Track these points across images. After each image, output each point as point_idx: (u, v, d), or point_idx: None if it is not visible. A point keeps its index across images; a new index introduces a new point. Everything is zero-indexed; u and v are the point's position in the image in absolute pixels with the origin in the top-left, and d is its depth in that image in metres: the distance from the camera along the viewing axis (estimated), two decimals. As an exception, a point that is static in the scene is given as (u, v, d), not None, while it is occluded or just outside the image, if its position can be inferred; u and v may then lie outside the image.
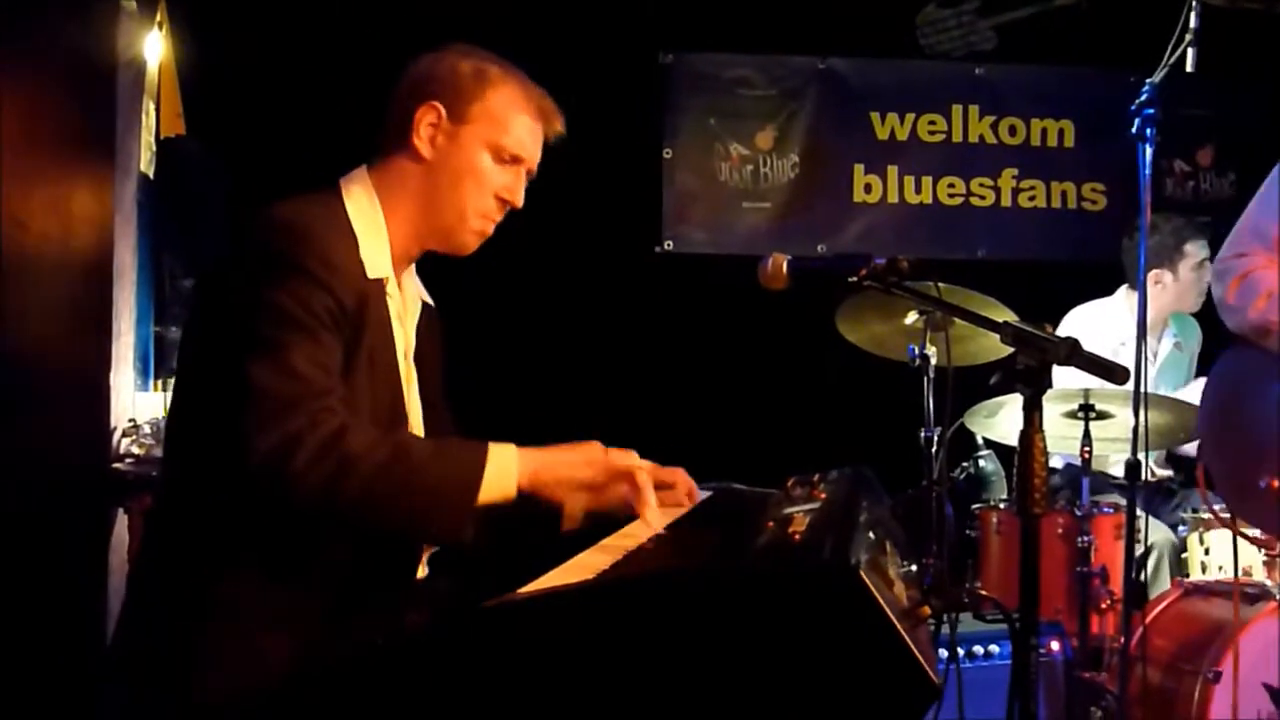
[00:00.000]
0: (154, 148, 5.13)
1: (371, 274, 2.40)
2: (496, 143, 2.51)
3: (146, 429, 4.68)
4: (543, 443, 2.41)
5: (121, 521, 4.55)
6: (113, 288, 4.61)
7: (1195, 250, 5.37)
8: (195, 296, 2.64)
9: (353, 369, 2.33)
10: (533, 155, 2.58)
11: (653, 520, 2.36)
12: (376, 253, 2.44)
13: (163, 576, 2.32)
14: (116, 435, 4.64)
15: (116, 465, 4.56)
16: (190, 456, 2.36)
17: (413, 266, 2.65)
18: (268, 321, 2.22)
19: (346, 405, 2.27)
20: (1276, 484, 3.07)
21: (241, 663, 2.20)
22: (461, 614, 1.97)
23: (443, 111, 2.49)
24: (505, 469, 2.27)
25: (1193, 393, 5.03)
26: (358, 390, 2.34)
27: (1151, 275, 5.34)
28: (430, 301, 2.72)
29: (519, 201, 2.57)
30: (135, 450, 4.61)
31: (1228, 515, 4.02)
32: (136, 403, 4.89)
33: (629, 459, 2.42)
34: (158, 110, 5.13)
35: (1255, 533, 4.21)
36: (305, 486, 2.13)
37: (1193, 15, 3.84)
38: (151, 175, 5.09)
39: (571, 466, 2.36)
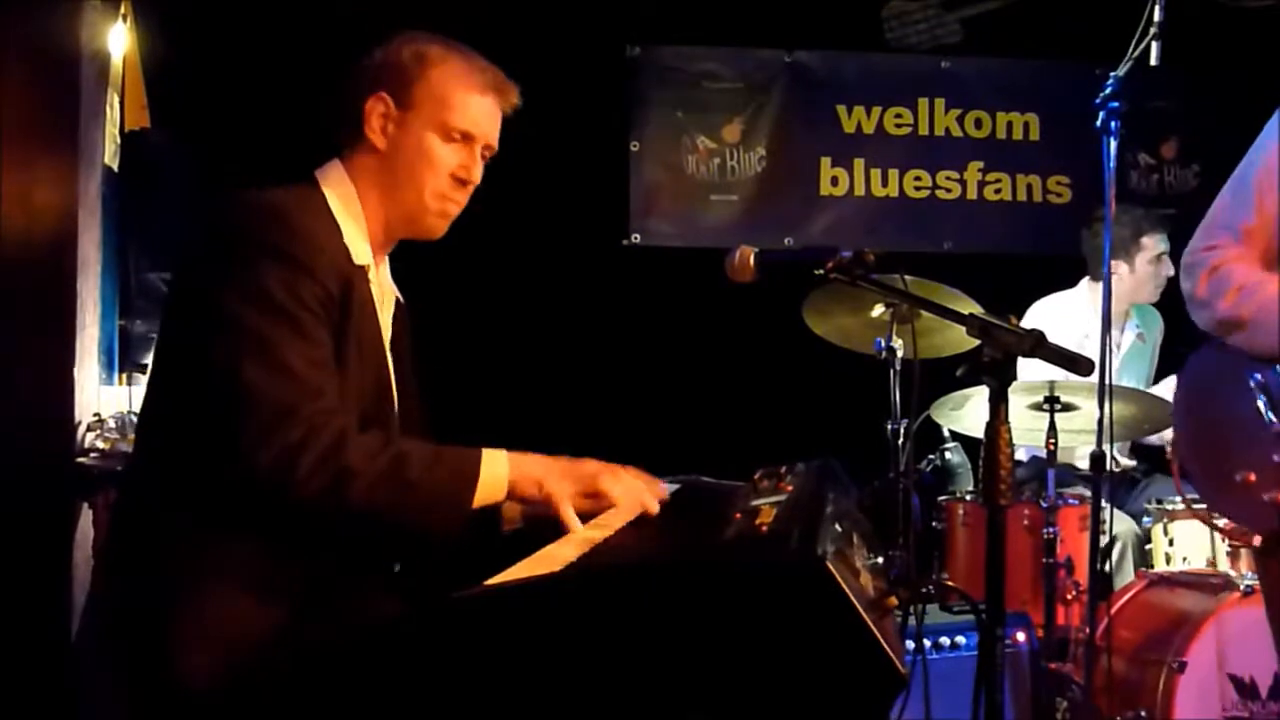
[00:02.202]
0: (118, 140, 5.09)
1: (357, 260, 2.42)
2: (443, 122, 2.51)
3: (111, 423, 4.64)
4: (512, 436, 2.41)
5: (86, 516, 4.52)
6: (76, 281, 4.58)
7: (1152, 243, 5.40)
8: (173, 285, 2.62)
9: (343, 356, 2.34)
10: (485, 131, 2.56)
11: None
12: (358, 240, 2.46)
13: (133, 566, 2.30)
14: (81, 429, 4.60)
15: (81, 460, 4.52)
16: (167, 446, 2.34)
17: (386, 260, 2.65)
18: (257, 312, 2.21)
19: (340, 398, 2.28)
20: (1253, 478, 3.08)
21: (213, 651, 2.19)
22: (430, 604, 1.97)
23: (389, 101, 2.50)
24: (497, 476, 2.31)
25: (1164, 390, 5.07)
26: (348, 378, 2.35)
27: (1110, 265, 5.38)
28: (400, 297, 2.72)
29: (474, 177, 2.56)
30: (100, 445, 4.57)
31: (1202, 508, 4.05)
32: (101, 397, 4.85)
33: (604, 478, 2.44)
34: (122, 103, 5.10)
35: (1224, 523, 4.24)
36: (306, 499, 2.15)
37: (1157, 8, 3.85)
38: (116, 168, 5.05)
39: (547, 472, 2.39)
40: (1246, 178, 3.19)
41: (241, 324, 2.21)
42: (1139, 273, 5.41)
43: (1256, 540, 3.15)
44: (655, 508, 2.45)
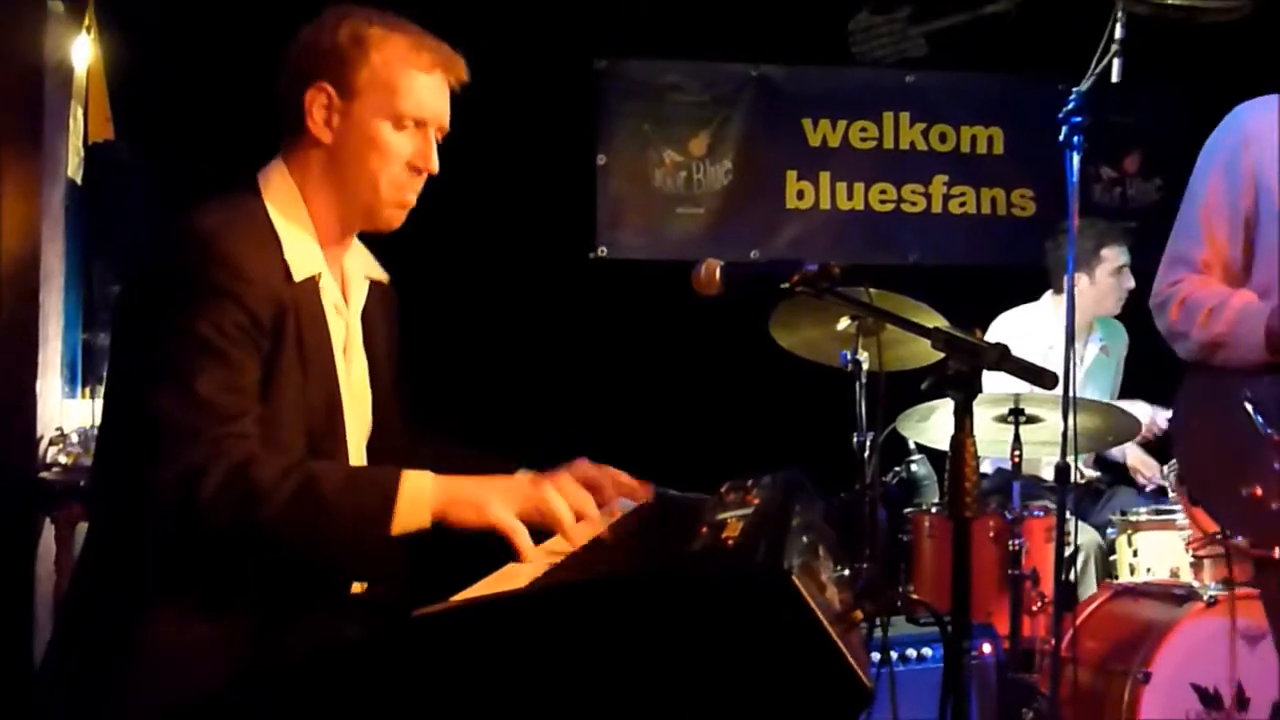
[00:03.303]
0: (82, 153, 5.07)
1: (299, 275, 2.32)
2: (393, 110, 2.37)
3: (74, 437, 4.62)
4: (479, 446, 2.40)
5: (48, 531, 4.49)
6: (40, 294, 4.56)
7: (1113, 255, 5.43)
8: (114, 311, 2.58)
9: (280, 377, 2.27)
10: (436, 113, 2.42)
11: (574, 536, 2.25)
12: (303, 248, 2.36)
13: (95, 595, 2.27)
14: (43, 444, 4.58)
15: (43, 474, 4.50)
16: (112, 480, 2.31)
17: (356, 243, 2.55)
18: (176, 346, 2.15)
19: (265, 423, 2.21)
20: (1259, 491, 3.11)
21: (175, 680, 2.16)
22: (394, 623, 1.96)
23: (331, 90, 2.35)
24: (418, 500, 2.16)
25: (1130, 406, 5.11)
26: (288, 398, 2.28)
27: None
28: (382, 276, 2.62)
29: (432, 167, 2.43)
30: (62, 459, 4.55)
31: (1219, 533, 4.07)
32: (64, 410, 4.82)
33: (546, 492, 2.23)
34: (86, 115, 5.07)
35: (1243, 542, 4.26)
36: (211, 519, 2.06)
37: (1118, 25, 3.89)
38: (80, 181, 5.03)
39: (487, 496, 2.19)
40: (1192, 214, 3.27)
41: (163, 358, 2.15)
42: (1100, 285, 5.44)
43: (1277, 553, 3.18)
44: (595, 514, 2.33)
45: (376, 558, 2.20)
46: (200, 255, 2.20)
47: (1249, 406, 3.12)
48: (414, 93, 2.39)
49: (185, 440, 2.09)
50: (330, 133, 2.38)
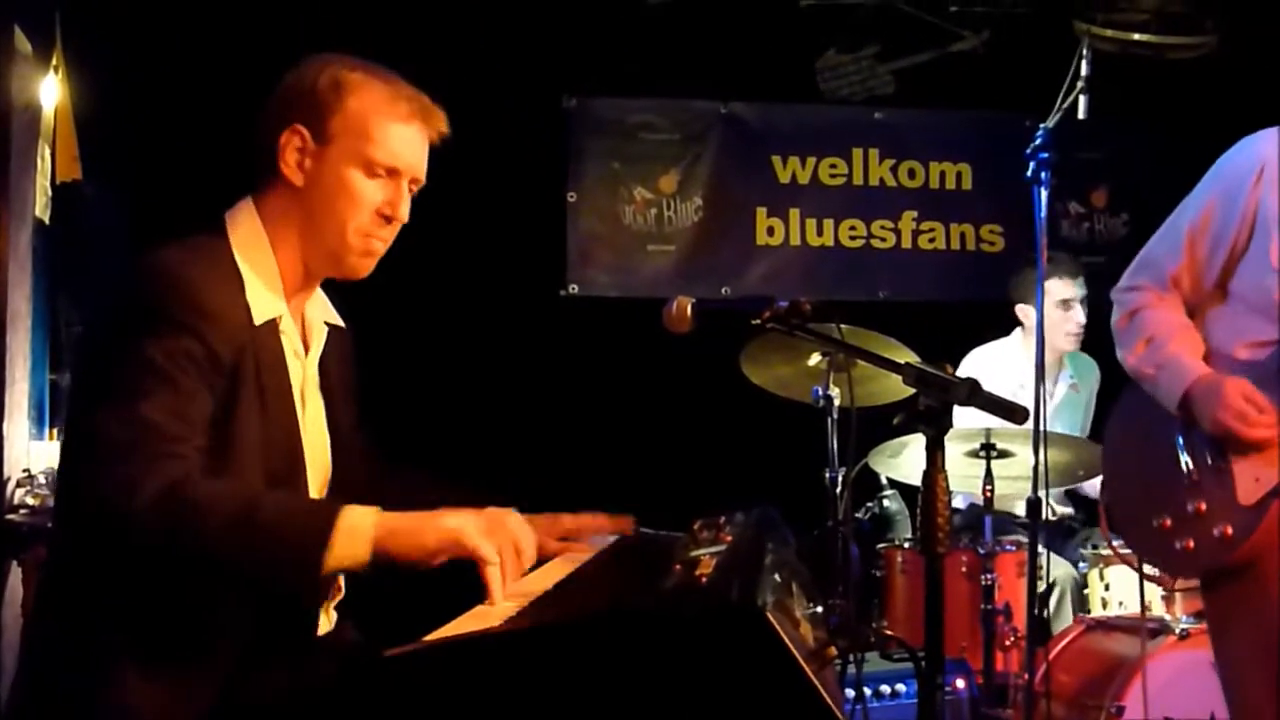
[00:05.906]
0: (50, 193, 5.05)
1: (260, 318, 2.31)
2: (365, 156, 2.35)
3: (42, 479, 4.58)
4: (450, 487, 2.38)
5: (16, 574, 4.45)
6: (6, 334, 4.52)
7: (1058, 288, 5.38)
8: (77, 347, 2.58)
9: (238, 416, 2.25)
10: (411, 164, 2.41)
11: (497, 601, 2.13)
12: (266, 290, 2.35)
13: (57, 635, 2.24)
14: (10, 485, 4.54)
15: (10, 516, 4.46)
16: (73, 512, 2.28)
17: (318, 291, 2.55)
18: (128, 371, 2.13)
19: (224, 464, 2.20)
20: (1169, 524, 3.12)
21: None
22: (365, 663, 1.94)
23: (306, 134, 2.35)
24: (357, 534, 2.09)
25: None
26: (247, 440, 2.26)
27: (1018, 310, 5.45)
28: (340, 323, 2.61)
29: (402, 215, 2.41)
30: (30, 501, 4.51)
31: (1127, 552, 4.08)
32: (31, 452, 4.79)
33: (486, 548, 2.12)
34: (54, 155, 5.05)
35: (1154, 570, 4.28)
36: (143, 533, 2.04)
37: (1084, 61, 3.93)
38: (47, 221, 5.01)
39: (425, 541, 2.12)
40: (1179, 224, 3.24)
41: (109, 382, 2.14)
42: (1047, 318, 5.41)
43: (1179, 585, 3.19)
44: (529, 556, 2.22)
45: (305, 589, 2.19)
46: (161, 288, 2.20)
47: (1178, 438, 3.13)
48: (388, 142, 2.37)
49: (120, 456, 2.06)
50: (302, 175, 2.37)
